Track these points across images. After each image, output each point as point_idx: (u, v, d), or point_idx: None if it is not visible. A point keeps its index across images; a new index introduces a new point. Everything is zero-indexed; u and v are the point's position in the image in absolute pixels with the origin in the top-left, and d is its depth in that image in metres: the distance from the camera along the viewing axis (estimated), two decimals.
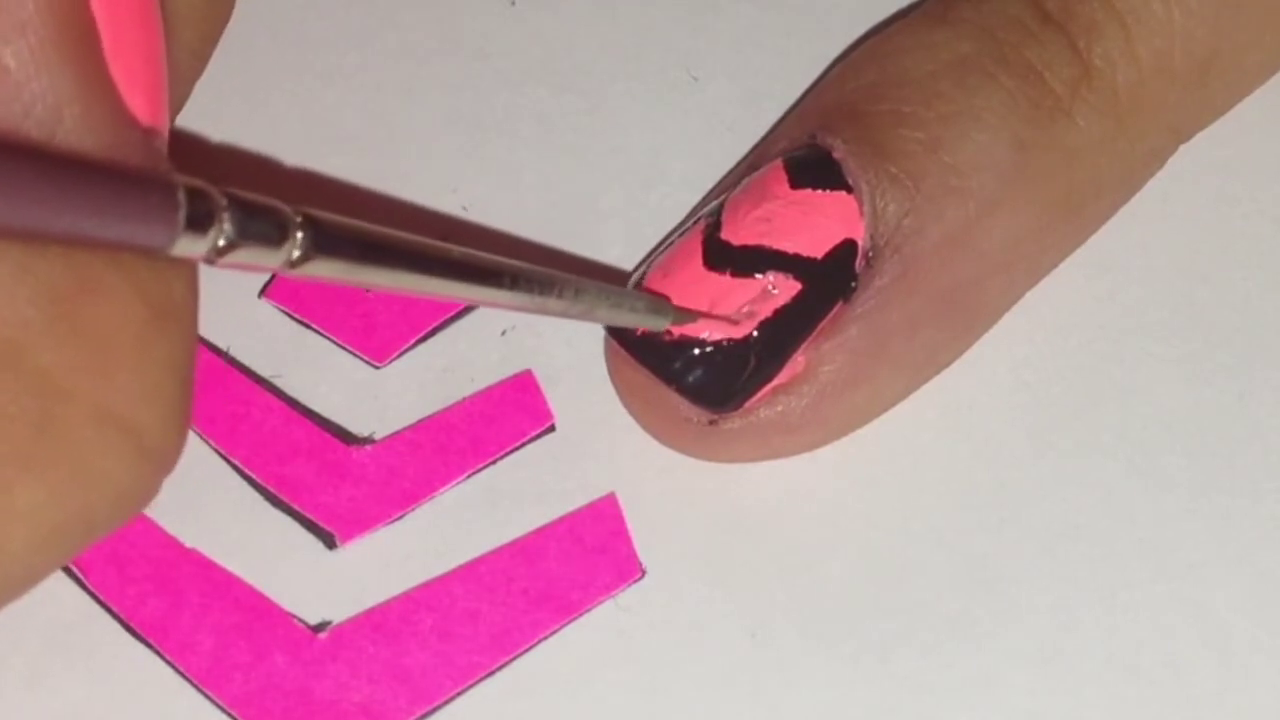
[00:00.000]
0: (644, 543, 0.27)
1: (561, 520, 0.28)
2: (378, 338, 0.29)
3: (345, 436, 0.29)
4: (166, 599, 0.27)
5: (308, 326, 0.30)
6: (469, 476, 0.28)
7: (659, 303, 0.26)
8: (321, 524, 0.28)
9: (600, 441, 0.28)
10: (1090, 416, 0.28)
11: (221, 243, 0.18)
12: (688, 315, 0.26)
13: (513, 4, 0.34)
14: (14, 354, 0.18)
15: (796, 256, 0.26)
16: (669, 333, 0.26)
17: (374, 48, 0.33)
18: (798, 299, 0.26)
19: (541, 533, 0.28)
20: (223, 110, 0.32)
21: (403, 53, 0.33)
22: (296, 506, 0.28)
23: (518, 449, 0.28)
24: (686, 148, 0.31)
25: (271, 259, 0.19)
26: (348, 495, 0.28)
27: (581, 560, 0.27)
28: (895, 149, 0.26)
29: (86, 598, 0.27)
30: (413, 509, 0.28)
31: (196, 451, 0.29)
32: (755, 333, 0.26)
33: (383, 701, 0.26)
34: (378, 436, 0.29)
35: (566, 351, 0.29)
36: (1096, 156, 0.27)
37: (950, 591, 0.27)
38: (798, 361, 0.26)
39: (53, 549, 0.19)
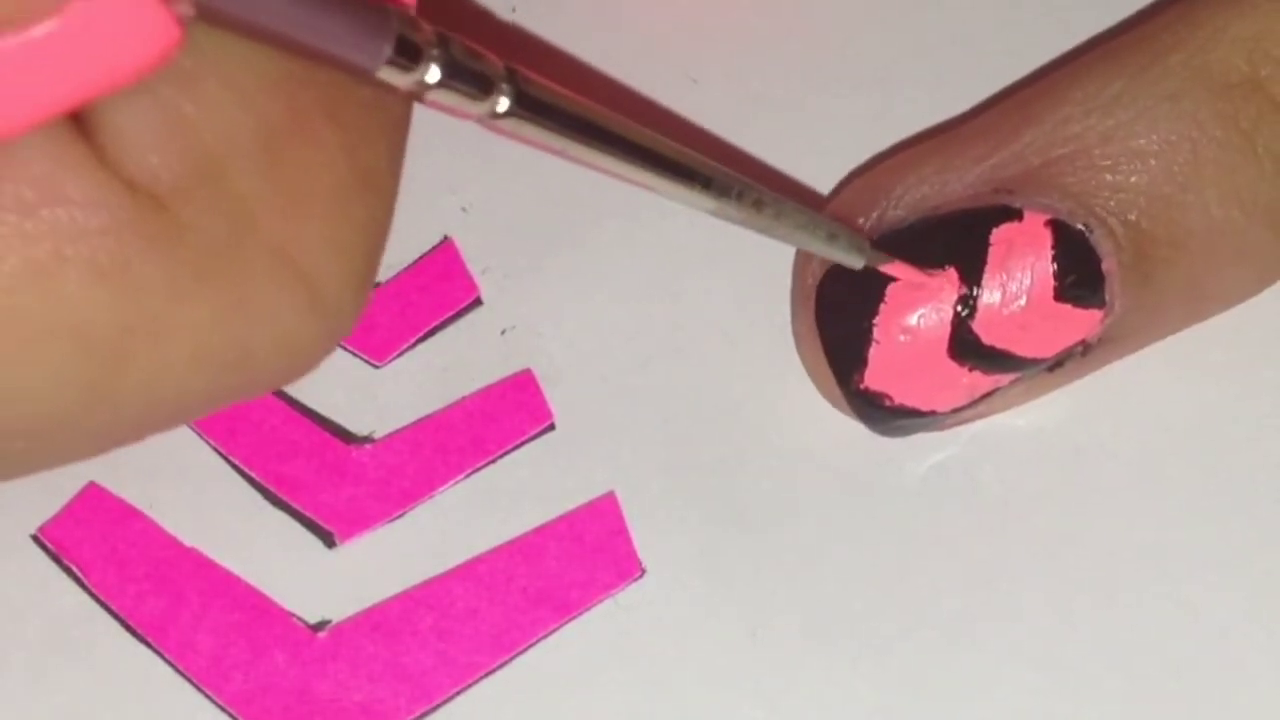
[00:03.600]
0: (644, 541, 0.27)
1: (561, 519, 0.28)
2: (377, 337, 0.29)
3: (345, 435, 0.29)
4: (166, 598, 0.27)
5: None
6: (469, 475, 0.28)
7: (858, 240, 0.25)
8: (321, 523, 0.28)
9: (600, 440, 0.28)
10: (1090, 416, 0.28)
11: (429, 79, 0.18)
12: (882, 259, 0.26)
13: (513, 10, 0.34)
14: (216, 172, 0.18)
15: (1032, 360, 0.26)
16: (885, 401, 0.26)
17: None
18: (1013, 383, 0.27)
19: (541, 532, 0.28)
20: None
21: None
22: (296, 505, 0.28)
23: (517, 448, 0.28)
24: (687, 148, 0.31)
25: (475, 107, 0.19)
26: (347, 494, 0.28)
27: (581, 559, 0.27)
28: (1161, 283, 0.26)
29: (86, 596, 0.27)
30: (412, 508, 0.28)
31: (196, 451, 0.29)
32: (964, 406, 0.27)
33: (382, 700, 0.26)
34: (377, 435, 0.29)
35: (566, 351, 0.29)
36: None
37: (950, 591, 0.27)
38: (979, 409, 0.27)
39: (211, 375, 0.19)
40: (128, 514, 0.28)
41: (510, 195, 0.31)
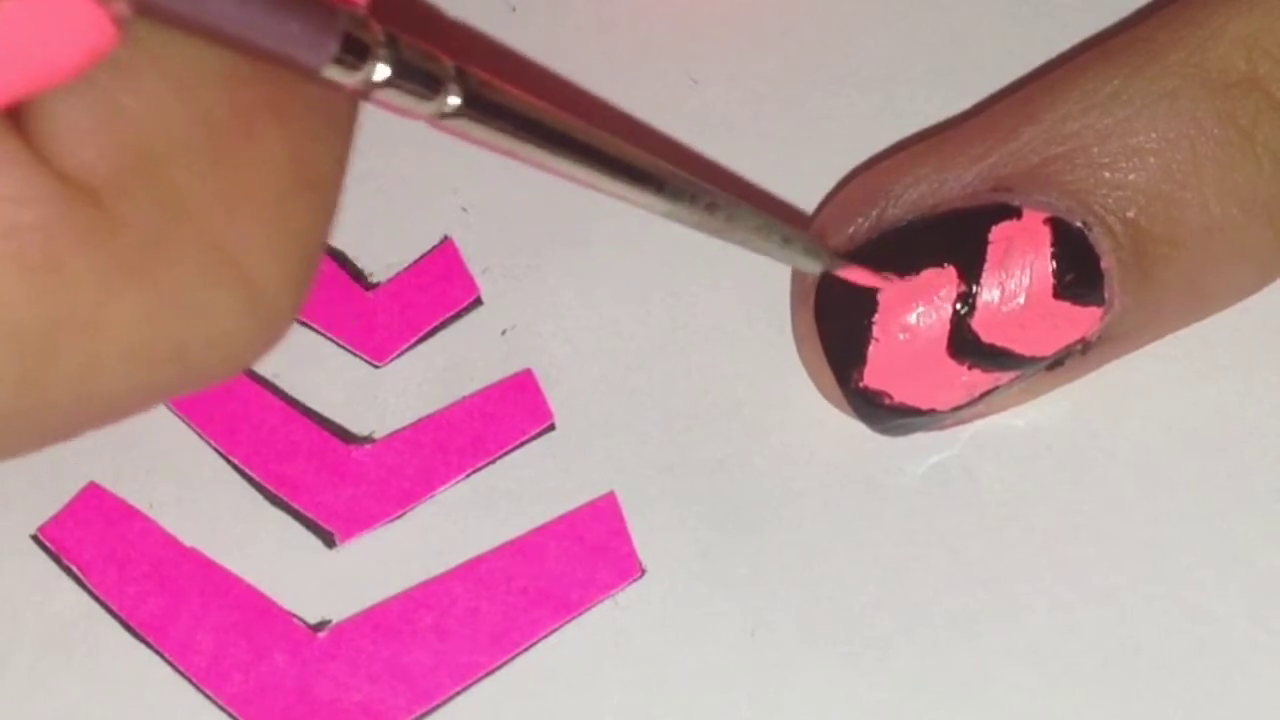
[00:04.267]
0: (643, 542, 0.27)
1: (561, 519, 0.28)
2: (377, 337, 0.29)
3: (345, 435, 0.29)
4: (166, 598, 0.27)
5: (307, 326, 0.30)
6: (469, 475, 0.28)
7: (816, 247, 0.26)
8: (321, 523, 0.28)
9: (600, 441, 0.28)
10: (1090, 416, 0.28)
11: (376, 78, 0.18)
12: (841, 263, 0.26)
13: (513, 10, 0.34)
14: (154, 167, 0.18)
15: (1031, 358, 0.26)
16: (885, 400, 0.26)
17: None
18: (1012, 381, 0.27)
19: (541, 532, 0.28)
20: None
21: None
22: (296, 505, 0.28)
23: (517, 448, 0.28)
24: (687, 149, 0.31)
25: (422, 107, 0.19)
26: (347, 494, 0.28)
27: (581, 559, 0.27)
28: (1160, 281, 0.26)
29: (86, 596, 0.27)
30: (412, 508, 0.28)
31: (195, 450, 0.29)
32: (963, 404, 0.27)
33: (382, 700, 0.26)
34: (377, 435, 0.29)
35: (566, 351, 0.29)
36: None
37: (950, 591, 0.27)
38: (978, 409, 0.27)
39: (144, 371, 0.19)
40: (128, 514, 0.28)
41: (510, 195, 0.31)
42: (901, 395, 0.26)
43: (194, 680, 0.27)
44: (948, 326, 0.26)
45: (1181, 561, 0.27)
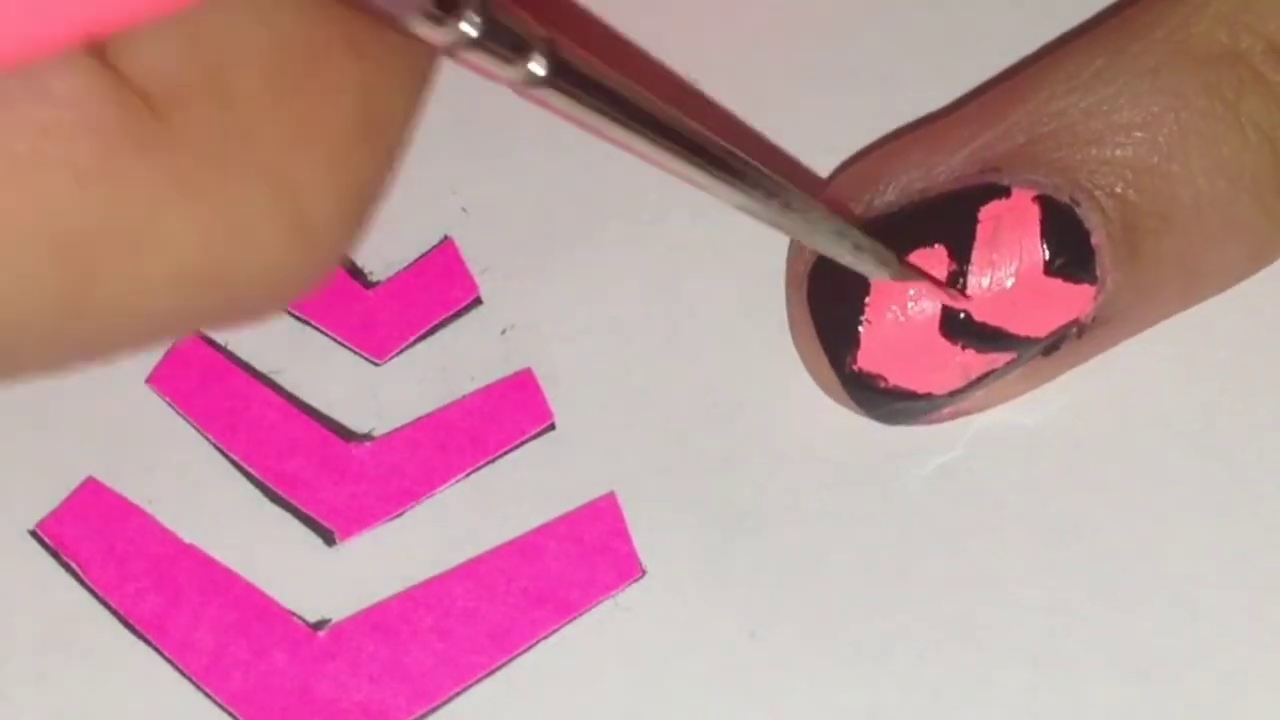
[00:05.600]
0: (644, 542, 0.27)
1: (561, 519, 0.28)
2: (377, 335, 0.29)
3: (345, 433, 0.29)
4: (165, 596, 0.27)
5: (307, 324, 0.30)
6: (468, 474, 0.28)
7: (886, 255, 0.26)
8: (321, 521, 0.28)
9: (600, 440, 0.28)
10: (1091, 416, 0.28)
11: (465, 36, 0.18)
12: (912, 274, 0.26)
13: None
14: (220, 83, 0.18)
15: (1025, 338, 0.26)
16: (879, 383, 0.26)
17: None
18: (1009, 364, 0.27)
19: (541, 532, 0.28)
20: None
21: None
22: (296, 503, 0.28)
23: (517, 447, 0.28)
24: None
25: (508, 71, 0.19)
26: (347, 492, 0.28)
27: (581, 559, 0.27)
28: (1150, 257, 0.26)
29: (84, 593, 0.27)
30: (412, 506, 0.28)
31: (195, 446, 0.29)
32: (960, 388, 0.27)
33: (382, 700, 0.26)
34: (377, 433, 0.29)
35: (566, 350, 0.29)
36: None
37: (950, 591, 0.27)
38: (976, 398, 0.27)
39: (188, 294, 0.18)
40: (127, 510, 0.28)
41: (511, 195, 0.31)
42: (896, 378, 0.26)
43: (193, 678, 0.26)
44: (939, 307, 0.26)
45: (1182, 562, 0.27)
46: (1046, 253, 0.26)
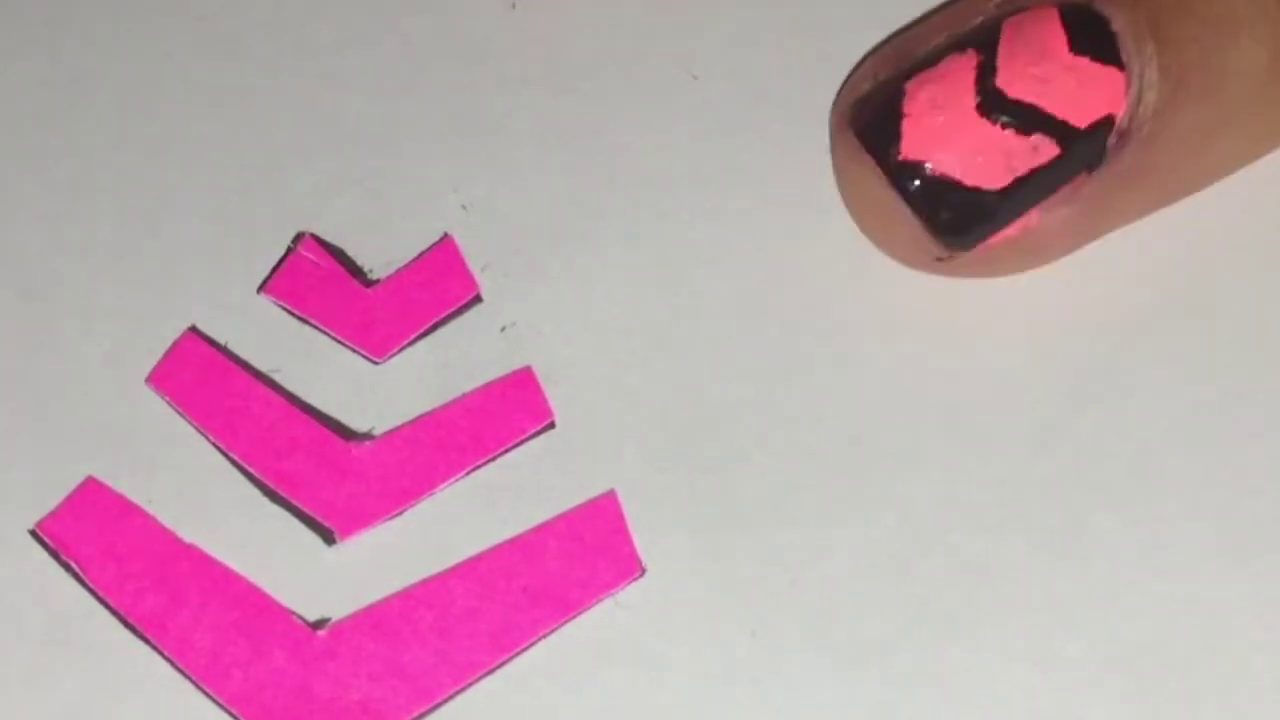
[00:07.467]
0: (644, 540, 0.27)
1: (561, 518, 0.28)
2: (377, 333, 0.29)
3: (344, 432, 0.29)
4: (165, 595, 0.27)
5: (307, 322, 0.30)
6: (468, 473, 0.28)
7: None
8: (321, 520, 0.28)
9: (600, 439, 0.28)
10: (1090, 416, 0.28)
11: None
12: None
13: (513, 7, 0.33)
14: None
15: (1064, 123, 0.27)
16: (926, 169, 0.27)
17: (375, 50, 0.33)
18: (1054, 162, 0.27)
19: (541, 530, 0.27)
20: (223, 111, 0.32)
21: (403, 54, 0.33)
22: (295, 502, 0.28)
23: (517, 446, 0.28)
24: (687, 146, 0.31)
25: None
26: (347, 491, 0.28)
27: (581, 558, 0.27)
28: (1171, 39, 0.27)
29: (84, 592, 0.27)
30: (412, 505, 0.28)
31: (194, 446, 0.29)
32: (1009, 185, 0.27)
33: (382, 699, 0.26)
34: (377, 432, 0.29)
35: (566, 348, 0.29)
36: None
37: (950, 591, 0.27)
38: (1031, 216, 0.27)
39: None
40: (126, 510, 0.28)
41: (510, 193, 0.31)
42: (941, 165, 0.27)
43: (192, 677, 0.26)
44: (973, 89, 0.27)
45: (1182, 562, 0.27)
46: (1069, 34, 0.27)
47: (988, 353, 0.29)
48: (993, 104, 0.27)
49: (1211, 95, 0.28)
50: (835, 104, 0.30)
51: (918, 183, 0.27)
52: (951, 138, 0.27)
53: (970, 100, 0.27)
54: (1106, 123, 0.27)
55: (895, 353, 0.29)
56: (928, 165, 0.27)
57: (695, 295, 0.30)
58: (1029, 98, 0.27)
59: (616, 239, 0.30)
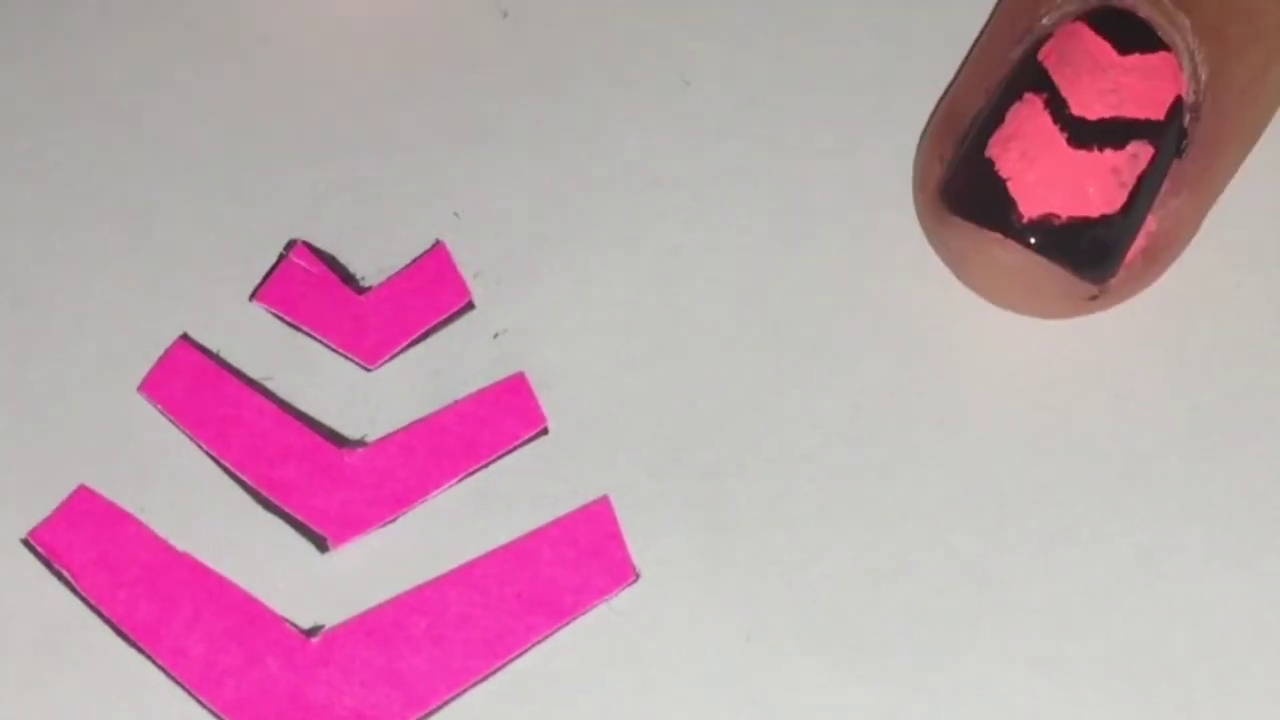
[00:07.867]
0: (638, 545, 0.27)
1: (555, 523, 0.28)
2: (369, 340, 0.29)
3: (337, 439, 0.28)
4: (158, 603, 0.27)
5: (299, 329, 0.30)
6: (462, 479, 0.28)
7: None
8: (313, 527, 0.28)
9: (594, 444, 0.28)
10: (1089, 417, 0.28)
11: None
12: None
13: (505, 15, 0.34)
14: None
15: (1148, 121, 0.27)
16: (1054, 220, 0.27)
17: (367, 57, 0.33)
18: (1153, 161, 0.27)
19: (535, 536, 0.27)
20: (215, 119, 0.32)
21: (395, 62, 0.33)
22: (288, 509, 0.28)
23: (510, 452, 0.28)
24: (679, 153, 0.31)
25: None
26: (340, 498, 0.28)
27: (575, 564, 0.27)
28: (1196, 3, 0.28)
29: (77, 601, 0.27)
30: (405, 512, 0.28)
31: (187, 453, 0.28)
32: (1128, 201, 0.27)
33: (376, 706, 0.26)
34: (370, 439, 0.28)
35: (559, 354, 0.29)
36: None
37: (949, 591, 0.27)
38: (1149, 221, 0.28)
39: None
40: (119, 518, 0.28)
41: (502, 199, 0.31)
42: (1065, 209, 0.27)
43: (186, 686, 0.26)
44: (1054, 125, 0.27)
45: (1181, 562, 0.27)
46: (1108, 39, 0.27)
47: (985, 353, 0.29)
48: (1081, 133, 0.27)
49: (1251, 40, 0.28)
50: (916, 202, 0.29)
51: (1051, 236, 0.27)
52: (1060, 181, 0.27)
53: (1059, 139, 0.27)
54: (1178, 104, 0.27)
55: (889, 355, 0.29)
56: (1053, 216, 0.27)
57: (687, 301, 0.30)
58: (1109, 112, 0.27)
59: (609, 245, 0.30)
